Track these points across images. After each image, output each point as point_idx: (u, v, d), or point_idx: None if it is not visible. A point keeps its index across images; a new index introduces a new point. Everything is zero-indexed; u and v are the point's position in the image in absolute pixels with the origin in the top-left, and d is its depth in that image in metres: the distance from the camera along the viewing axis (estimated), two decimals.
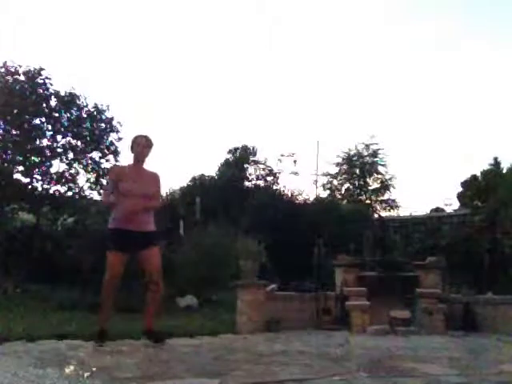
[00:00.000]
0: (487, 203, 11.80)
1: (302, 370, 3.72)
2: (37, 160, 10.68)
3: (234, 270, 7.06)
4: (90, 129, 11.16)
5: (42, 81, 10.62)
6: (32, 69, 10.57)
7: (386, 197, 17.27)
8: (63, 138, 11.00)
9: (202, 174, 16.10)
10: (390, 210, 17.03)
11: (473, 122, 29.28)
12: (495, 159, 15.66)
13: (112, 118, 11.33)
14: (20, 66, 10.58)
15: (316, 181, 16.61)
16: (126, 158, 4.85)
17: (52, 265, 9.42)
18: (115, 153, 11.31)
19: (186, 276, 8.07)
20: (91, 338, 4.49)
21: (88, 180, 11.36)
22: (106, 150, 11.24)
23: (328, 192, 17.19)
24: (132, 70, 32.81)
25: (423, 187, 25.48)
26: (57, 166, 10.98)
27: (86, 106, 11.10)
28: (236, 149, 17.27)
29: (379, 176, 17.36)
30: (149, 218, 4.62)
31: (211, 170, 16.73)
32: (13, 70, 10.52)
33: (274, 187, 16.03)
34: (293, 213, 11.79)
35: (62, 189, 11.07)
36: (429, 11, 28.54)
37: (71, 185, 11.10)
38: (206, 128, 27.79)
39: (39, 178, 10.78)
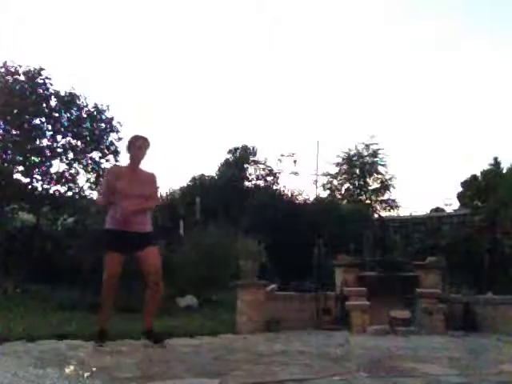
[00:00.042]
0: (487, 203, 11.80)
1: (302, 370, 3.72)
2: (37, 160, 10.68)
3: (233, 270, 7.06)
4: (90, 129, 11.16)
5: (42, 81, 10.62)
6: (32, 69, 10.58)
7: (386, 197, 17.28)
8: (63, 137, 11.00)
9: (202, 174, 16.10)
10: (390, 210, 17.04)
11: (473, 121, 29.31)
12: (495, 159, 15.67)
13: (112, 118, 11.34)
14: (20, 66, 10.59)
15: (316, 181, 16.63)
16: (126, 158, 4.82)
17: (52, 265, 9.41)
18: (115, 153, 11.32)
19: (186, 276, 8.06)
20: (91, 338, 4.49)
21: (88, 180, 11.37)
22: (105, 150, 11.24)
23: (328, 192, 17.19)
24: (132, 69, 32.84)
25: (423, 187, 25.49)
26: (57, 166, 11.00)
27: (86, 106, 11.11)
28: (236, 149, 17.27)
29: (379, 176, 17.36)
30: (145, 219, 4.62)
31: (211, 169, 16.75)
32: (13, 69, 10.52)
33: (274, 187, 16.02)
34: (293, 213, 11.79)
35: (62, 189, 11.08)
36: (429, 11, 28.56)
37: (71, 185, 11.11)
38: (206, 128, 27.80)
39: (39, 177, 10.78)
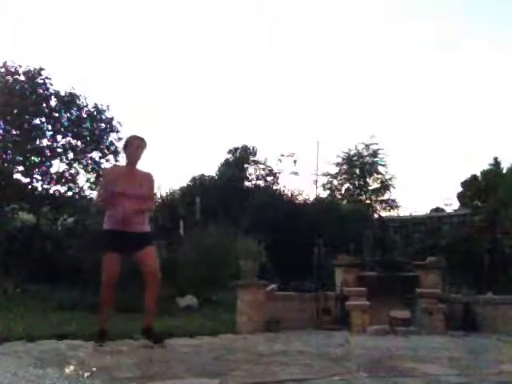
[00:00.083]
0: (487, 203, 11.80)
1: (302, 370, 3.72)
2: (37, 160, 10.69)
3: (233, 270, 7.06)
4: (90, 129, 11.16)
5: (42, 81, 10.63)
6: (32, 69, 10.59)
7: (386, 197, 17.28)
8: (63, 138, 11.01)
9: (202, 174, 16.09)
10: (390, 210, 17.05)
11: (473, 121, 29.31)
12: (495, 159, 15.68)
13: (112, 118, 11.35)
14: (20, 66, 10.60)
15: (316, 181, 16.63)
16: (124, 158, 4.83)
17: (52, 265, 9.42)
18: (115, 153, 11.32)
19: (186, 276, 8.07)
20: (91, 338, 4.49)
21: (88, 180, 11.38)
22: (105, 150, 11.25)
23: (328, 192, 17.19)
24: (132, 69, 32.84)
25: (423, 187, 25.48)
26: (57, 166, 11.02)
27: (86, 106, 11.12)
28: (236, 149, 17.27)
29: (379, 176, 17.36)
30: (143, 219, 4.62)
31: (211, 169, 16.74)
32: (13, 70, 10.53)
33: (274, 187, 16.02)
34: (293, 213, 11.79)
35: (62, 189, 11.10)
36: (429, 11, 28.57)
37: (71, 185, 11.12)
38: (206, 128, 27.79)
39: (39, 177, 10.79)
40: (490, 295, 7.01)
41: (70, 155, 11.04)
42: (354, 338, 5.65)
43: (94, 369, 3.47)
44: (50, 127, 10.84)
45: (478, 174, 16.01)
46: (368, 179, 17.27)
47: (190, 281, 8.04)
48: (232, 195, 14.16)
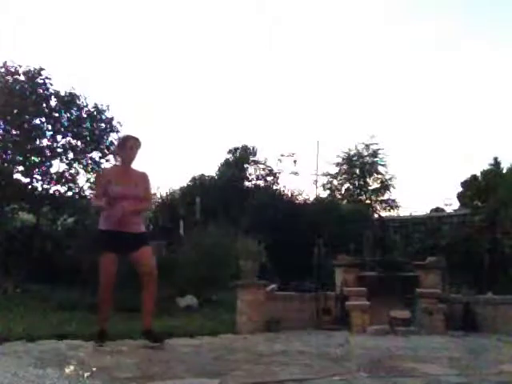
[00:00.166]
0: (487, 203, 11.80)
1: (302, 370, 3.72)
2: (37, 160, 10.68)
3: (233, 270, 7.06)
4: (90, 129, 11.16)
5: (42, 81, 10.63)
6: (32, 69, 10.59)
7: (386, 197, 17.26)
8: (63, 138, 11.01)
9: (202, 174, 16.09)
10: (390, 210, 17.03)
11: (473, 121, 29.29)
12: (495, 159, 15.66)
13: (112, 118, 11.34)
14: (20, 66, 10.60)
15: (316, 181, 16.62)
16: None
17: (52, 265, 9.42)
18: (115, 153, 11.30)
19: (186, 276, 8.06)
20: (91, 338, 4.49)
21: (88, 180, 11.38)
22: (106, 150, 11.24)
23: (328, 192, 17.18)
24: (132, 69, 32.83)
25: (423, 187, 25.44)
26: (57, 166, 11.02)
27: (86, 106, 11.11)
28: (236, 149, 17.26)
29: (379, 176, 17.35)
30: (138, 220, 4.63)
31: (211, 169, 16.74)
32: (13, 70, 10.53)
33: (274, 187, 16.01)
34: (293, 213, 11.79)
35: (62, 189, 11.10)
36: (429, 11, 28.54)
37: (71, 185, 11.12)
38: (206, 128, 27.79)
39: (39, 177, 10.79)
40: (490, 295, 7.01)
41: (70, 155, 11.04)
42: (354, 338, 5.65)
43: (94, 369, 3.48)
44: (50, 127, 10.84)
45: (478, 174, 16.00)
46: (368, 179, 17.27)
47: (189, 281, 8.04)
48: (232, 195, 14.16)
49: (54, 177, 10.85)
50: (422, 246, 10.53)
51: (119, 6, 31.62)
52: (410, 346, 5.06)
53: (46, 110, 10.71)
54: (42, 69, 10.63)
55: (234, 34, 30.94)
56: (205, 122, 30.01)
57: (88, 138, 11.11)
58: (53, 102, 10.81)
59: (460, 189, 16.50)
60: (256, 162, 16.97)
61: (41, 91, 10.64)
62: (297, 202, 13.98)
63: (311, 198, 14.55)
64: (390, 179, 17.21)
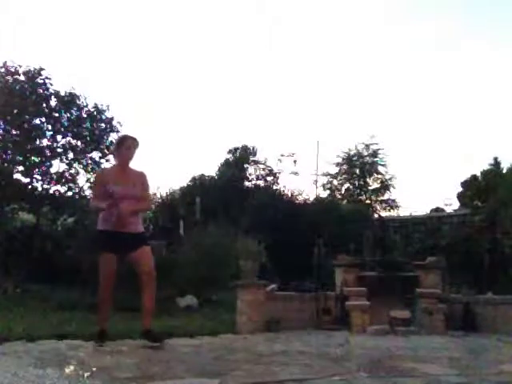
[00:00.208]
0: (487, 203, 11.80)
1: (302, 370, 3.72)
2: (37, 160, 10.68)
3: (233, 270, 7.06)
4: (90, 129, 11.16)
5: (42, 81, 10.63)
6: (32, 69, 10.59)
7: (386, 197, 17.26)
8: (63, 138, 11.01)
9: (202, 174, 16.09)
10: (390, 210, 17.03)
11: (473, 121, 29.29)
12: (495, 159, 15.67)
13: (112, 118, 11.35)
14: (20, 66, 10.60)
15: (316, 181, 16.62)
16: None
17: (52, 265, 9.42)
18: None
19: (186, 276, 8.06)
20: (91, 338, 4.49)
21: (88, 180, 11.36)
22: (106, 150, 11.24)
23: (328, 192, 17.18)
24: (132, 69, 32.83)
25: (423, 187, 25.44)
26: (57, 166, 11.02)
27: (86, 106, 11.12)
28: (236, 149, 17.26)
29: (379, 176, 17.35)
30: (137, 220, 4.63)
31: (211, 169, 16.74)
32: (13, 70, 10.53)
33: (274, 187, 16.01)
34: (293, 213, 11.79)
35: (62, 189, 11.10)
36: (429, 11, 28.53)
37: (71, 185, 11.12)
38: (206, 128, 27.79)
39: (39, 177, 10.79)
40: (490, 295, 7.01)
41: (70, 155, 11.04)
42: (354, 337, 5.65)
43: (94, 369, 3.48)
44: (50, 127, 10.84)
45: (478, 174, 16.01)
46: (368, 179, 17.27)
47: (189, 281, 8.04)
48: (232, 195, 14.16)
49: (54, 177, 10.85)
50: (422, 246, 10.53)
51: (119, 5, 31.64)
52: (410, 346, 5.06)
53: (46, 110, 10.71)
54: (42, 69, 10.64)
55: (234, 34, 30.97)
56: (205, 122, 30.03)
57: (88, 138, 11.11)
58: (53, 102, 10.82)
59: (460, 189, 16.52)
60: (256, 162, 16.97)
61: (41, 91, 10.64)
62: (297, 201, 13.99)
63: (311, 198, 14.57)
64: (390, 179, 17.22)
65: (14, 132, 10.61)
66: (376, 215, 14.95)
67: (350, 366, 3.88)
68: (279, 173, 16.56)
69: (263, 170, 16.80)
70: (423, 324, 6.23)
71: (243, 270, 6.36)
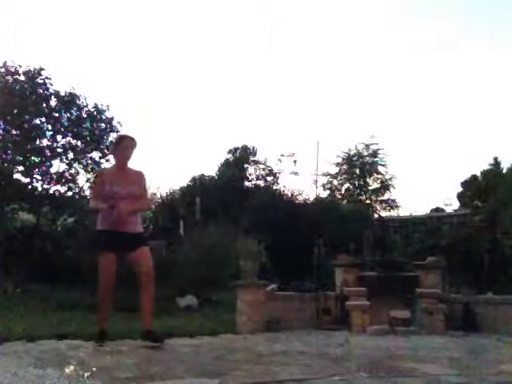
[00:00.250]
0: (487, 203, 11.80)
1: (302, 370, 3.72)
2: (37, 160, 10.68)
3: (233, 270, 7.06)
4: (90, 129, 11.16)
5: (42, 81, 10.63)
6: (32, 69, 10.58)
7: (386, 197, 17.27)
8: (63, 138, 11.01)
9: (202, 174, 16.09)
10: (390, 210, 17.04)
11: (473, 121, 29.29)
12: (495, 159, 15.67)
13: (112, 118, 11.35)
14: (20, 66, 10.59)
15: (316, 181, 16.62)
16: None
17: (52, 265, 9.43)
18: None
19: (186, 276, 8.06)
20: (91, 338, 4.49)
21: (88, 180, 11.35)
22: (106, 150, 11.23)
23: (328, 192, 17.19)
24: (132, 69, 32.82)
25: (423, 187, 25.44)
26: (57, 166, 11.02)
27: (86, 106, 11.12)
28: (236, 149, 17.26)
29: (379, 176, 17.36)
30: (136, 219, 4.63)
31: (211, 169, 16.74)
32: (13, 70, 10.53)
33: (274, 187, 16.01)
34: (293, 213, 11.79)
35: (62, 189, 11.09)
36: (429, 11, 28.53)
37: (71, 185, 11.11)
38: (206, 128, 27.78)
39: (39, 177, 10.79)
40: (490, 295, 7.01)
41: (70, 155, 11.04)
42: (354, 337, 5.65)
43: (94, 369, 3.48)
44: (50, 127, 10.84)
45: (478, 174, 16.01)
46: (368, 179, 17.27)
47: (190, 281, 8.04)
48: (232, 195, 14.15)
49: (54, 177, 10.85)
50: (422, 246, 10.52)
51: (119, 5, 31.64)
52: (410, 346, 5.06)
53: (46, 110, 10.70)
54: (42, 69, 10.64)
55: (234, 34, 30.96)
56: (205, 122, 30.02)
57: (88, 138, 11.11)
58: (53, 102, 10.82)
59: (460, 189, 16.53)
60: (256, 162, 16.97)
61: (41, 91, 10.64)
62: (297, 201, 13.98)
63: (311, 198, 14.57)
64: (390, 179, 17.23)
65: (14, 132, 10.60)
66: (376, 215, 14.95)
67: (350, 366, 3.88)
68: (279, 173, 16.57)
69: (263, 169, 16.81)
70: (423, 324, 6.23)
71: (243, 270, 6.36)
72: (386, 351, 4.69)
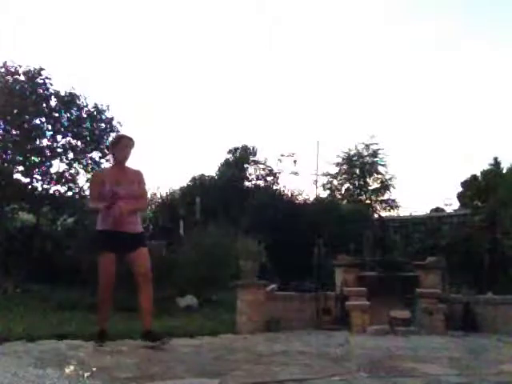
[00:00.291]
0: (487, 203, 11.80)
1: (302, 370, 3.72)
2: (37, 160, 10.69)
3: (233, 270, 7.06)
4: (90, 129, 11.17)
5: (42, 81, 10.63)
6: (32, 69, 10.59)
7: (386, 197, 17.25)
8: (63, 138, 11.02)
9: (202, 174, 16.09)
10: (390, 210, 17.02)
11: (473, 121, 29.30)
12: (495, 159, 15.67)
13: (112, 118, 11.35)
14: (20, 66, 10.60)
15: (316, 181, 16.61)
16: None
17: (52, 265, 9.43)
18: None
19: (186, 276, 8.06)
20: (91, 338, 4.49)
21: (88, 180, 11.35)
22: (106, 150, 11.23)
23: (328, 192, 17.17)
24: (132, 69, 32.83)
25: (423, 187, 25.44)
26: (57, 166, 11.02)
27: (86, 106, 11.12)
28: (236, 149, 17.26)
29: (379, 176, 17.34)
30: (136, 219, 4.63)
31: (211, 169, 16.74)
32: (13, 70, 10.53)
33: (274, 187, 16.01)
34: (293, 213, 11.79)
35: (62, 189, 11.10)
36: (429, 11, 28.54)
37: (71, 185, 11.12)
38: (206, 128, 27.79)
39: (39, 177, 10.79)
40: (490, 295, 7.01)
41: (70, 155, 11.04)
42: (354, 337, 5.65)
43: (94, 369, 3.48)
44: (50, 127, 10.85)
45: (478, 174, 16.01)
46: (368, 179, 17.26)
47: (189, 281, 8.04)
48: (232, 195, 14.15)
49: (54, 177, 10.85)
50: (422, 245, 10.53)
51: (119, 5, 31.64)
52: (410, 346, 5.06)
53: (46, 110, 10.71)
54: (42, 69, 10.64)
55: (234, 34, 30.97)
56: (205, 122, 30.04)
57: (88, 138, 11.11)
58: (53, 102, 10.82)
59: (460, 189, 16.53)
60: (256, 162, 16.96)
61: (41, 91, 10.64)
62: (297, 202, 13.98)
63: (311, 198, 14.57)
64: (389, 179, 17.21)
65: (14, 132, 10.61)
66: (376, 215, 14.94)
67: (350, 366, 3.88)
68: (279, 173, 16.56)
69: (263, 169, 16.80)
70: (423, 324, 6.23)
71: (243, 270, 6.36)
72: (385, 351, 4.69)
